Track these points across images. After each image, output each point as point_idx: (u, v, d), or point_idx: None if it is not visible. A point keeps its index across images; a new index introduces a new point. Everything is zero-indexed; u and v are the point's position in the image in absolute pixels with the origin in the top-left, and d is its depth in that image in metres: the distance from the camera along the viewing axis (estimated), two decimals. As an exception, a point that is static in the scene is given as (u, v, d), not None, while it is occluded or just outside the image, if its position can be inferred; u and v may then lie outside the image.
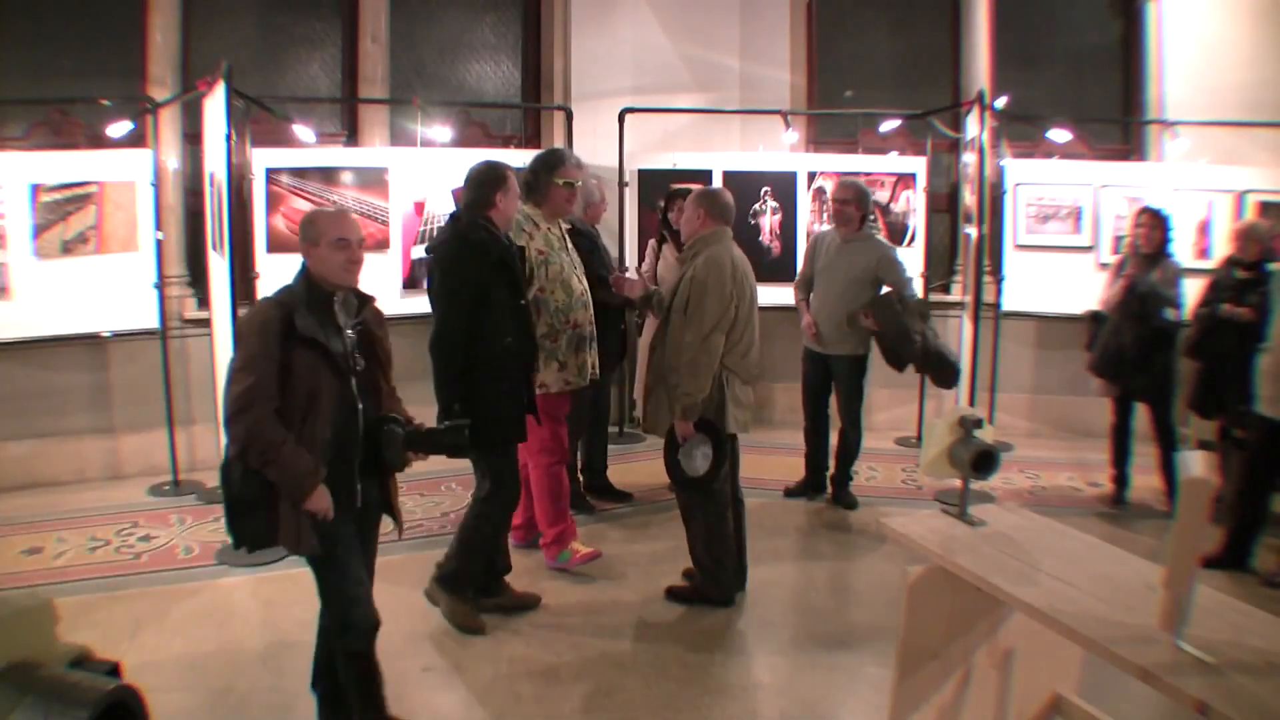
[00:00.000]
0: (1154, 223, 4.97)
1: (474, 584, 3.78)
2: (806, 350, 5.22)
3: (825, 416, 5.24)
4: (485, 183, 3.59)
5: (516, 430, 3.64)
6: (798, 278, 5.35)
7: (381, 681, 2.82)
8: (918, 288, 5.05)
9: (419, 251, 5.89)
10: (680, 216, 4.41)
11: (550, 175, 3.98)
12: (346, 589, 2.70)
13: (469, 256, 3.49)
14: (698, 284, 3.70)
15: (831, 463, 5.25)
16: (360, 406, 2.71)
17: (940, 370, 4.92)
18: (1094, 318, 5.22)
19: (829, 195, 5.83)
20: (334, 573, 2.70)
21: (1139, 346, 4.85)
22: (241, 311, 4.97)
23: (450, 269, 3.51)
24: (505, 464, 3.69)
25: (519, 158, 5.26)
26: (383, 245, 5.79)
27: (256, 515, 2.62)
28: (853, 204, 4.97)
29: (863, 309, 4.88)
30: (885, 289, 4.94)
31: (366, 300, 2.83)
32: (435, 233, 3.80)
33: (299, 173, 5.59)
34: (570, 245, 4.18)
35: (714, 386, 3.73)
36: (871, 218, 5.17)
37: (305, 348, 2.60)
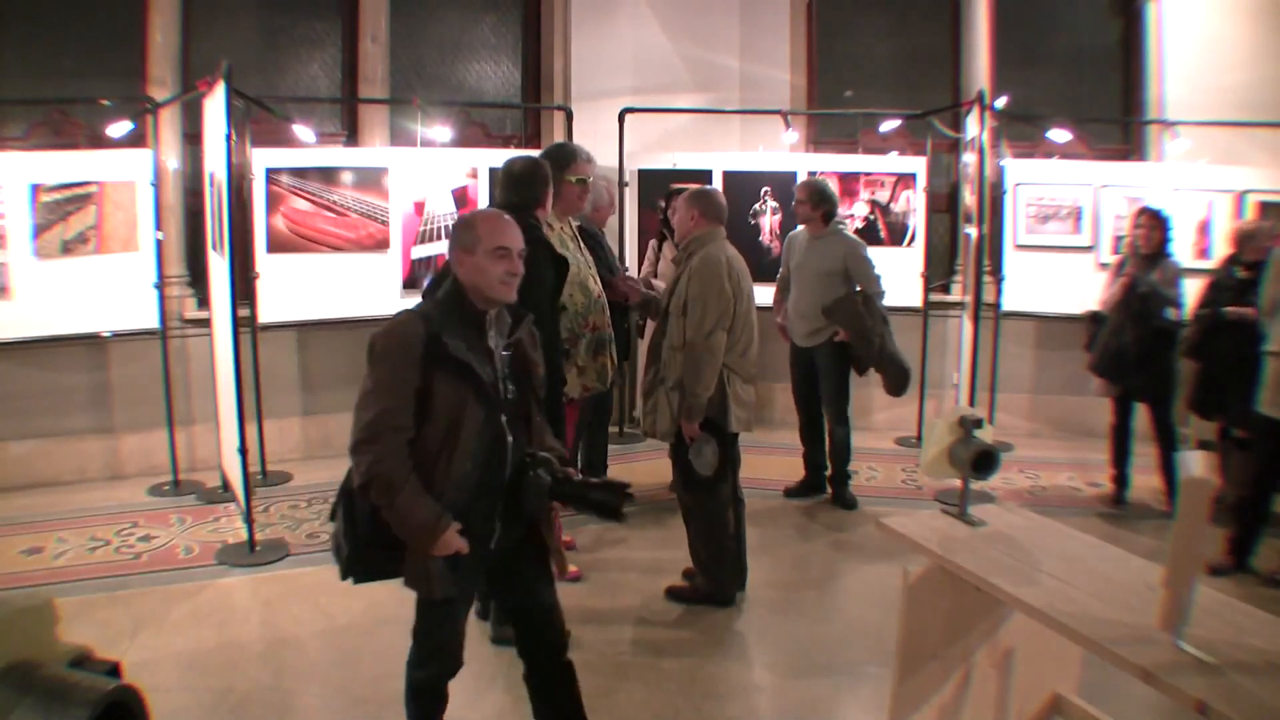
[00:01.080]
0: (1154, 223, 4.97)
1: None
2: (791, 347, 5.28)
3: (818, 414, 5.26)
4: (537, 180, 3.48)
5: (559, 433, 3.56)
6: (778, 278, 5.39)
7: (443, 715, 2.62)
8: (885, 285, 5.00)
9: (419, 251, 5.89)
10: (679, 216, 4.41)
11: (562, 173, 3.79)
12: (443, 636, 2.47)
13: (547, 260, 3.37)
14: (696, 284, 3.70)
15: (829, 463, 5.26)
16: (510, 440, 2.40)
17: (892, 375, 4.93)
18: (1094, 318, 5.22)
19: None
20: (437, 616, 2.44)
21: (1140, 346, 4.85)
22: (243, 312, 5.00)
23: (537, 274, 3.25)
24: None
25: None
26: (382, 245, 5.79)
27: (379, 553, 2.35)
28: (807, 203, 5.01)
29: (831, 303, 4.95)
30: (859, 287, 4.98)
31: (521, 318, 2.49)
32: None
33: (299, 173, 5.59)
34: (583, 245, 4.07)
35: (715, 385, 3.73)
36: (839, 215, 5.18)
37: (451, 371, 2.27)
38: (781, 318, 5.32)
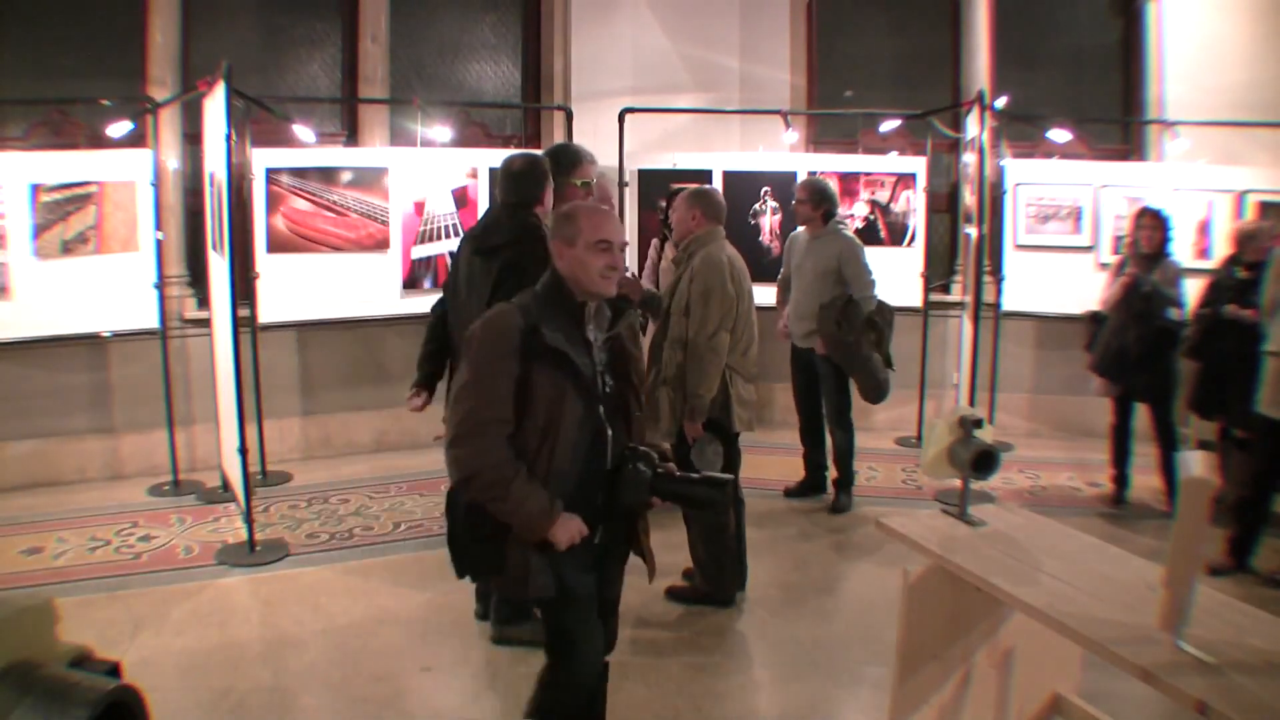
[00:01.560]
0: (1155, 223, 4.97)
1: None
2: (791, 347, 5.27)
3: (818, 415, 5.25)
4: (535, 178, 3.48)
5: None
6: (779, 279, 5.39)
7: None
8: (876, 281, 4.93)
9: (419, 251, 5.89)
10: (679, 216, 4.40)
11: (566, 175, 3.75)
12: (577, 635, 2.40)
13: (545, 255, 3.41)
14: (699, 284, 3.71)
15: (831, 464, 5.25)
16: (610, 434, 2.35)
17: (863, 385, 4.91)
18: (1094, 318, 5.22)
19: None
20: (566, 616, 2.38)
21: (1141, 346, 4.85)
22: (243, 312, 5.00)
23: (537, 268, 3.36)
24: None
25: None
26: (382, 245, 5.79)
27: (484, 548, 2.31)
28: (807, 202, 5.00)
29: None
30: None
31: (622, 311, 2.46)
32: (485, 229, 3.56)
33: (299, 173, 5.59)
34: None
35: (718, 386, 3.75)
36: (839, 215, 5.15)
37: (550, 364, 2.24)
38: (784, 320, 5.32)
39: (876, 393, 4.91)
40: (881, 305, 4.97)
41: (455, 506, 2.33)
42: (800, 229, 5.20)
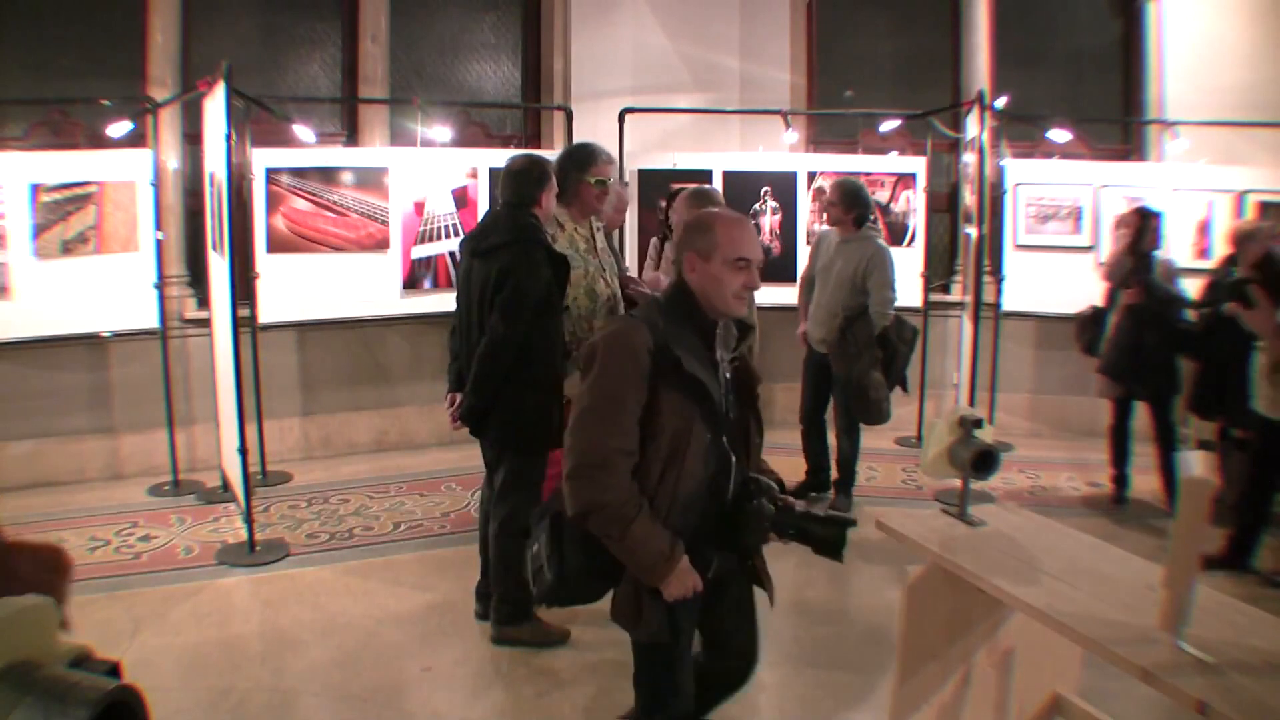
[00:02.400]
0: (1148, 223, 4.96)
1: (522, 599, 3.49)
2: (807, 349, 5.21)
3: (821, 418, 5.22)
4: (533, 179, 3.47)
5: (557, 437, 3.53)
6: (800, 277, 5.34)
7: None
8: (897, 297, 4.82)
9: (419, 251, 5.89)
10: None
11: (582, 174, 3.73)
12: (671, 679, 2.27)
13: (543, 258, 3.37)
14: None
15: (833, 467, 5.23)
16: (734, 461, 2.21)
17: (858, 406, 4.80)
18: (1095, 317, 5.19)
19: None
20: (662, 658, 2.25)
21: (1163, 349, 4.82)
22: (243, 312, 4.99)
23: (530, 271, 3.32)
24: (532, 464, 3.55)
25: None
26: (382, 245, 5.79)
27: (587, 582, 2.20)
28: (838, 205, 4.89)
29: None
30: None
31: (748, 331, 2.33)
32: (484, 229, 3.54)
33: (299, 173, 5.59)
34: (599, 247, 3.91)
35: None
36: (872, 219, 5.07)
37: (679, 388, 2.08)
38: (803, 325, 5.15)
39: (867, 414, 4.78)
40: (901, 322, 4.85)
41: (560, 535, 2.18)
42: (829, 229, 5.11)
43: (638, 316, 2.18)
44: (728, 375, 2.24)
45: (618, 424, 2.05)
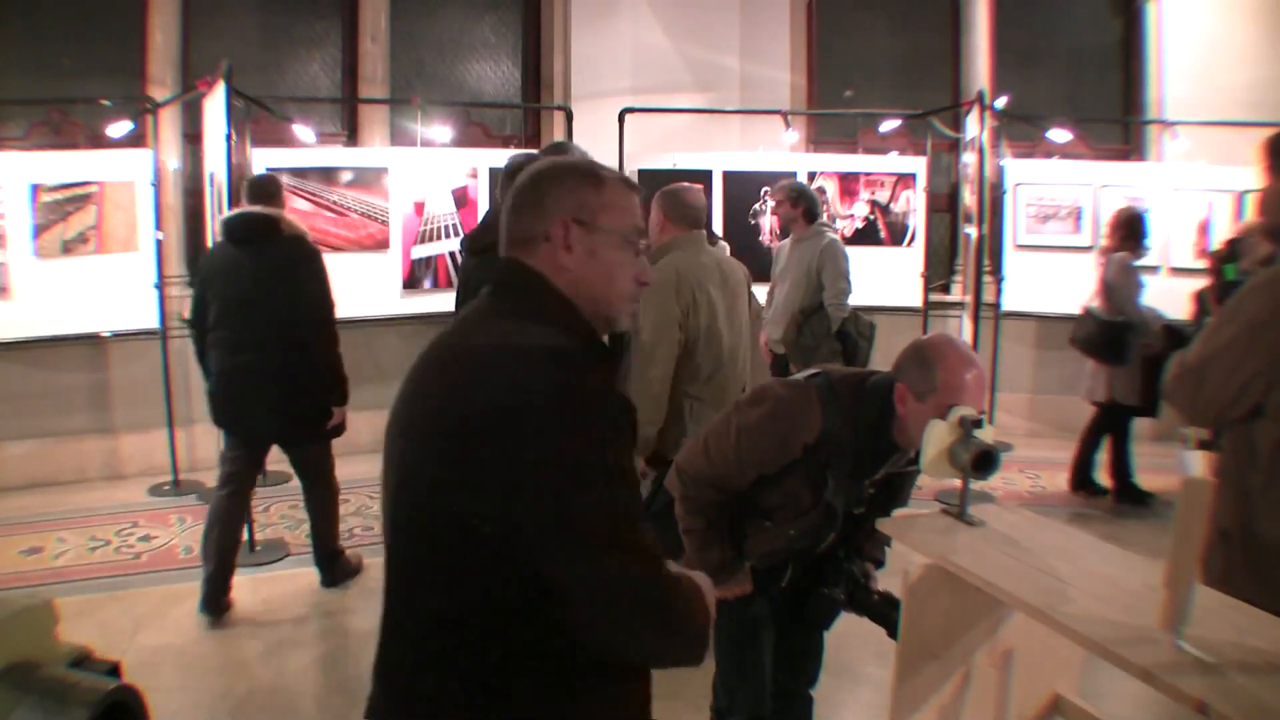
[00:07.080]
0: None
1: None
2: (771, 355, 5.16)
3: None
4: None
5: None
6: (769, 288, 5.31)
7: None
8: (851, 289, 4.79)
9: (419, 251, 5.89)
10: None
11: None
12: (742, 675, 2.35)
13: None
14: (642, 307, 3.08)
15: None
16: (828, 544, 2.26)
17: None
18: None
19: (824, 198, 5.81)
20: (736, 654, 2.34)
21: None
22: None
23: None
24: None
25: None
26: (382, 245, 5.79)
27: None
28: (785, 203, 4.93)
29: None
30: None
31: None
32: (483, 229, 3.53)
33: (299, 173, 5.59)
34: None
35: (673, 417, 3.10)
36: (823, 215, 5.07)
37: (810, 482, 2.09)
38: (763, 331, 5.10)
39: None
40: (857, 316, 4.83)
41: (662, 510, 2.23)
42: (785, 240, 5.14)
43: (820, 393, 2.03)
44: (871, 491, 2.22)
45: (739, 468, 2.07)
